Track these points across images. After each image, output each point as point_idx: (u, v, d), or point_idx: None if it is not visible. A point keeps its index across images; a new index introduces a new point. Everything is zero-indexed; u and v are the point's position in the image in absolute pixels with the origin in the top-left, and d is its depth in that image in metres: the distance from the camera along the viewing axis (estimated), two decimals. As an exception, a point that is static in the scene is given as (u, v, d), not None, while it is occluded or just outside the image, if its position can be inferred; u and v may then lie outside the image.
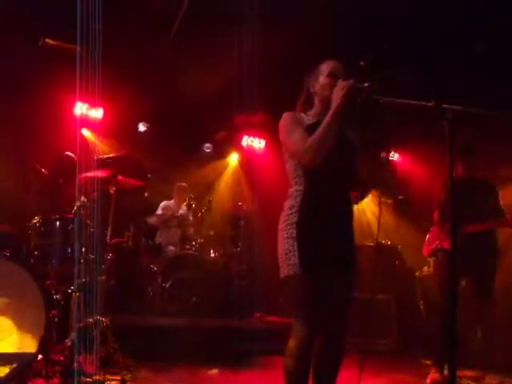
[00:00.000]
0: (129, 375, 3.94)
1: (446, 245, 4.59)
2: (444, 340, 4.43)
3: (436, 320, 4.63)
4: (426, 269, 6.69)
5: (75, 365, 3.53)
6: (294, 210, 2.65)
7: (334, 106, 2.56)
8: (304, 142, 2.56)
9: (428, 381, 4.42)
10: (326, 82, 2.70)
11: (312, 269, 2.55)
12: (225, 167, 9.07)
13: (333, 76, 2.68)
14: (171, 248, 6.71)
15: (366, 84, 2.43)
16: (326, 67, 2.75)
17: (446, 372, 4.31)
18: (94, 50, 3.98)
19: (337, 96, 2.54)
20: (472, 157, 4.70)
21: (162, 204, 7.12)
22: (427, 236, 4.94)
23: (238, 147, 8.99)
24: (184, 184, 7.28)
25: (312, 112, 2.78)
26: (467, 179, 4.64)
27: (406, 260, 6.90)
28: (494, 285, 4.64)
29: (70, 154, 5.01)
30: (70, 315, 3.96)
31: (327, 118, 2.55)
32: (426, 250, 4.92)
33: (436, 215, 4.79)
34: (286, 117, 2.73)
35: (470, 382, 4.45)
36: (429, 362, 4.77)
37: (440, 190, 4.73)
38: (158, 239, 6.82)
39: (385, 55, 5.36)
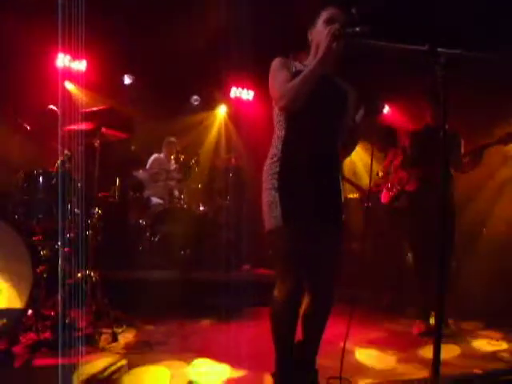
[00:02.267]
0: (120, 329, 3.97)
1: (410, 187, 4.62)
2: (424, 289, 4.47)
3: (416, 269, 4.61)
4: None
5: (66, 319, 3.54)
6: (275, 159, 2.59)
7: (319, 53, 2.47)
8: (284, 87, 2.49)
9: (414, 331, 4.46)
10: (321, 28, 2.57)
11: (294, 221, 2.50)
12: (213, 119, 8.94)
13: (330, 22, 2.54)
14: (160, 202, 6.67)
15: (358, 28, 2.33)
16: (324, 14, 2.64)
17: (431, 321, 4.38)
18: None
19: (322, 44, 2.45)
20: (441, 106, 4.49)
21: (152, 157, 7.05)
22: (382, 181, 5.01)
23: (226, 99, 8.84)
24: (173, 139, 7.21)
25: (307, 61, 2.68)
26: (435, 128, 4.48)
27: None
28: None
29: (53, 107, 4.89)
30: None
31: (310, 66, 2.48)
32: (385, 197, 4.92)
33: (397, 161, 4.82)
34: (275, 62, 2.66)
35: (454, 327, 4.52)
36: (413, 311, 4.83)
37: (405, 138, 4.80)
38: (147, 193, 6.76)
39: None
